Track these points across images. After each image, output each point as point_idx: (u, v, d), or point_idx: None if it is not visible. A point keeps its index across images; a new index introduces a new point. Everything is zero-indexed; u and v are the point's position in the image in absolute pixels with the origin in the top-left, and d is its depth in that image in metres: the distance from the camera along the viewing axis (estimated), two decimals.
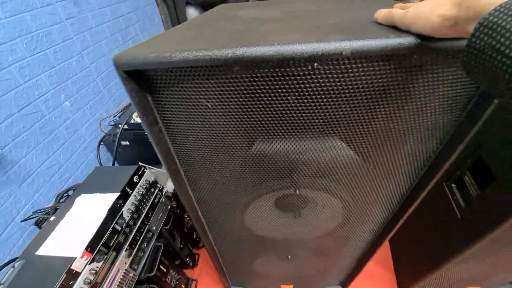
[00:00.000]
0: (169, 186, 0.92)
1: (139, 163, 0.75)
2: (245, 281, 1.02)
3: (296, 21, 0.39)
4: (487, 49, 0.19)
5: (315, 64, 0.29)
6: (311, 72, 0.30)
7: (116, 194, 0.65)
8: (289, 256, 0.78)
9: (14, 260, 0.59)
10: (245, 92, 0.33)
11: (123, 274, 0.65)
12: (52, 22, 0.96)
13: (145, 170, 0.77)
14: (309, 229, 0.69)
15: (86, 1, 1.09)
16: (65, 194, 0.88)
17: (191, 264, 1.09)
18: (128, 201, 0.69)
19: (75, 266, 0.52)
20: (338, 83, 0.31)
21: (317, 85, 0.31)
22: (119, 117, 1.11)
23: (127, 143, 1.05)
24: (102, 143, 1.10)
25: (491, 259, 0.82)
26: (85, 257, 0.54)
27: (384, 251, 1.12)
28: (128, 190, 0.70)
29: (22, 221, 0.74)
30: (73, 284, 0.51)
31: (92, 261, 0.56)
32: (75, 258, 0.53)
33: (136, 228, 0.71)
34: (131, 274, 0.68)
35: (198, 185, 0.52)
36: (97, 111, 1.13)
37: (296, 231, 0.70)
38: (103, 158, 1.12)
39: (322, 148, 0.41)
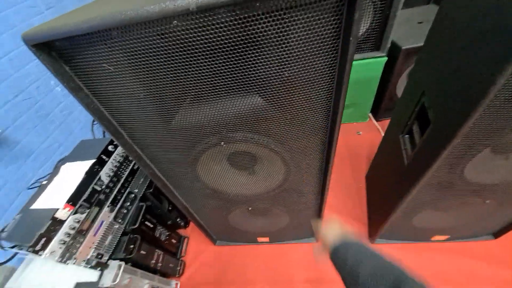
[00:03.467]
0: None
1: None
2: (228, 236, 1.15)
3: None
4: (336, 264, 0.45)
5: (175, 21, 0.34)
6: (174, 30, 0.35)
7: (92, 161, 0.77)
8: (250, 208, 0.88)
9: None
10: (131, 52, 0.39)
11: (107, 225, 0.79)
12: (33, 14, 1.05)
13: None
14: (264, 183, 0.77)
15: None
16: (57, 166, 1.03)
17: (182, 224, 1.24)
18: (106, 166, 0.81)
19: (59, 215, 0.66)
20: (200, 38, 0.36)
21: (190, 41, 0.36)
22: None
23: None
24: (95, 123, 1.22)
25: (457, 212, 0.85)
26: (67, 209, 0.68)
27: (360, 210, 1.17)
28: (104, 157, 0.81)
29: (28, 188, 0.90)
30: (59, 229, 0.65)
31: (75, 213, 0.70)
32: (58, 209, 0.66)
33: (116, 189, 0.84)
34: (116, 226, 0.82)
35: (143, 143, 0.60)
36: None
37: (254, 186, 0.78)
38: (98, 137, 1.26)
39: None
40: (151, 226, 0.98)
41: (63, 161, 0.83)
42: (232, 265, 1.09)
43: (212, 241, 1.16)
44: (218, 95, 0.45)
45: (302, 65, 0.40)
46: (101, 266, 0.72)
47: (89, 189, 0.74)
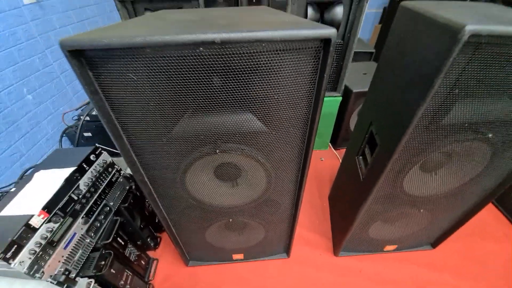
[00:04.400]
0: (128, 169, 1.03)
1: (96, 144, 0.86)
2: (202, 255, 1.13)
3: (200, 21, 0.55)
4: None
5: (200, 48, 0.45)
6: (201, 54, 0.46)
7: (73, 168, 0.76)
8: (231, 220, 0.92)
9: None
10: (157, 67, 0.47)
11: (79, 238, 0.75)
12: (18, 23, 1.04)
13: (102, 151, 0.88)
14: (246, 193, 0.84)
15: (51, 4, 1.19)
16: (25, 175, 0.95)
17: (152, 245, 1.19)
18: (85, 175, 0.80)
19: (33, 222, 0.62)
20: (217, 62, 0.47)
21: (208, 64, 0.47)
22: (81, 110, 1.20)
23: (90, 134, 1.14)
24: (64, 135, 1.17)
25: (401, 223, 1.02)
26: (42, 216, 0.64)
27: (326, 226, 1.30)
28: (85, 166, 0.80)
29: None
30: (31, 237, 0.61)
31: (49, 221, 0.66)
32: (33, 215, 0.62)
33: (92, 200, 0.81)
34: (88, 240, 0.78)
35: (141, 150, 0.65)
36: (60, 106, 1.21)
37: (236, 196, 0.84)
38: None
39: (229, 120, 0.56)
40: (122, 243, 0.94)
41: (36, 168, 0.79)
42: (204, 285, 1.07)
43: (185, 261, 1.13)
44: (220, 109, 0.55)
45: (289, 91, 0.54)
46: (69, 282, 0.67)
47: (66, 197, 0.72)
